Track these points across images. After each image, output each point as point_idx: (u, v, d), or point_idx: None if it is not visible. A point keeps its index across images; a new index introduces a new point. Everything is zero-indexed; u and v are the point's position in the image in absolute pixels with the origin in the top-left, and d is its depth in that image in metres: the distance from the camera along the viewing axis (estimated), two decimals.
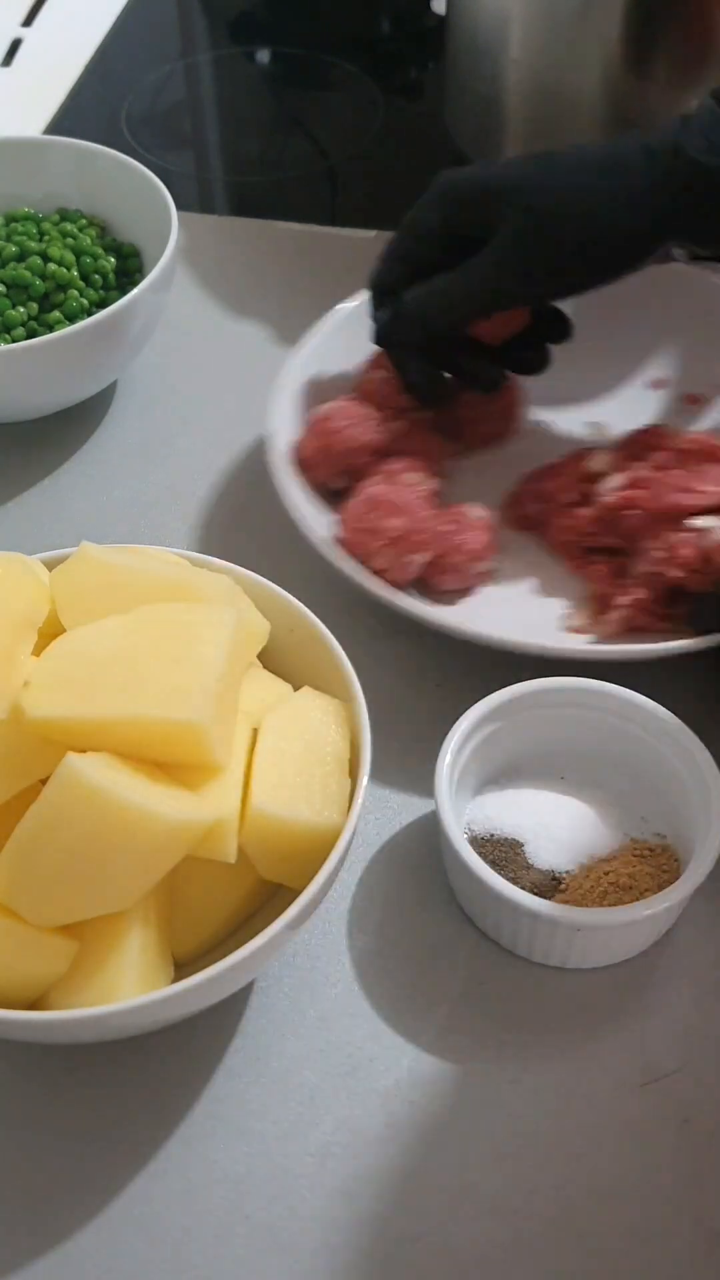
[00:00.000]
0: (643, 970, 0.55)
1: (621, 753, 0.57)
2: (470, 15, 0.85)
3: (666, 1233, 0.48)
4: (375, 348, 0.70)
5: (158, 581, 0.51)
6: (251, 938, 0.46)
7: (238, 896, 0.51)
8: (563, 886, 0.54)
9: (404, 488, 0.64)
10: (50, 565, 0.54)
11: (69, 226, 0.79)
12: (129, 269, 0.79)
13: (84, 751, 0.45)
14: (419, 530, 0.63)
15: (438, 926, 0.56)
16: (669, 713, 0.56)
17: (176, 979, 0.47)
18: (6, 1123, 0.51)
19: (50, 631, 0.50)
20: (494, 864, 0.53)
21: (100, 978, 0.46)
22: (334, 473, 0.67)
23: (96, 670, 0.47)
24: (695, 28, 0.78)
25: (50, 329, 0.74)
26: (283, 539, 0.65)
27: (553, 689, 0.57)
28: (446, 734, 0.55)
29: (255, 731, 0.51)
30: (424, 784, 0.54)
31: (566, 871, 0.55)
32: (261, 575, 0.57)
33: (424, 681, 0.63)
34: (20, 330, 0.74)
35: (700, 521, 0.62)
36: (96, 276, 0.77)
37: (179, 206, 0.76)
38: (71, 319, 0.74)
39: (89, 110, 1.02)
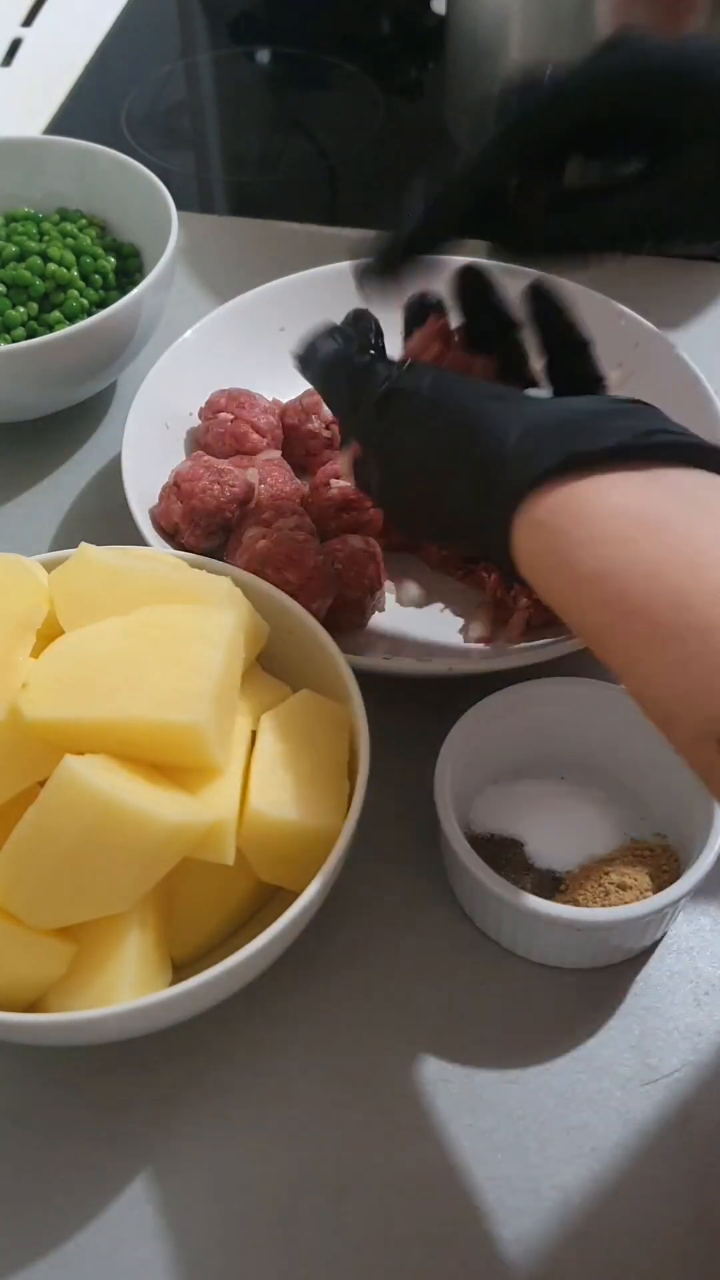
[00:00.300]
0: (642, 970, 0.55)
1: (621, 753, 0.57)
2: (470, 15, 0.85)
3: (667, 1233, 0.48)
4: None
5: (157, 583, 0.51)
6: (250, 940, 0.46)
7: (236, 899, 0.51)
8: (563, 886, 0.54)
9: (285, 536, 0.62)
10: (49, 566, 0.54)
11: (69, 226, 0.79)
12: (129, 269, 0.79)
13: (82, 753, 0.45)
14: (313, 579, 0.61)
15: (438, 926, 0.56)
16: None
17: (175, 981, 0.47)
18: (6, 1123, 0.51)
19: (49, 633, 0.50)
20: (494, 864, 0.53)
21: (98, 980, 0.46)
22: (207, 534, 0.65)
23: (95, 672, 0.47)
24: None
25: (50, 329, 0.74)
26: None
27: (553, 689, 0.57)
28: (446, 734, 0.55)
29: (254, 734, 0.51)
30: (423, 784, 0.54)
31: (566, 871, 0.55)
32: None
33: (423, 682, 0.63)
34: (20, 330, 0.74)
35: None
36: (96, 276, 0.77)
37: (179, 206, 0.76)
38: (71, 319, 0.74)
39: (89, 110, 1.02)
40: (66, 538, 0.72)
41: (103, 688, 0.46)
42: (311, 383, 0.56)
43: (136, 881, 0.46)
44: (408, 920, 0.56)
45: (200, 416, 0.72)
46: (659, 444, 0.44)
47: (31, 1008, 0.48)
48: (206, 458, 0.67)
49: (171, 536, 0.66)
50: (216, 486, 0.65)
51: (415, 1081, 0.52)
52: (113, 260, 0.78)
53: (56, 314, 0.75)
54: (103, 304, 0.75)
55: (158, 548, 0.63)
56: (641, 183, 0.53)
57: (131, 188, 0.79)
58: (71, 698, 0.46)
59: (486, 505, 0.46)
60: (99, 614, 0.49)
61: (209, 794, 0.47)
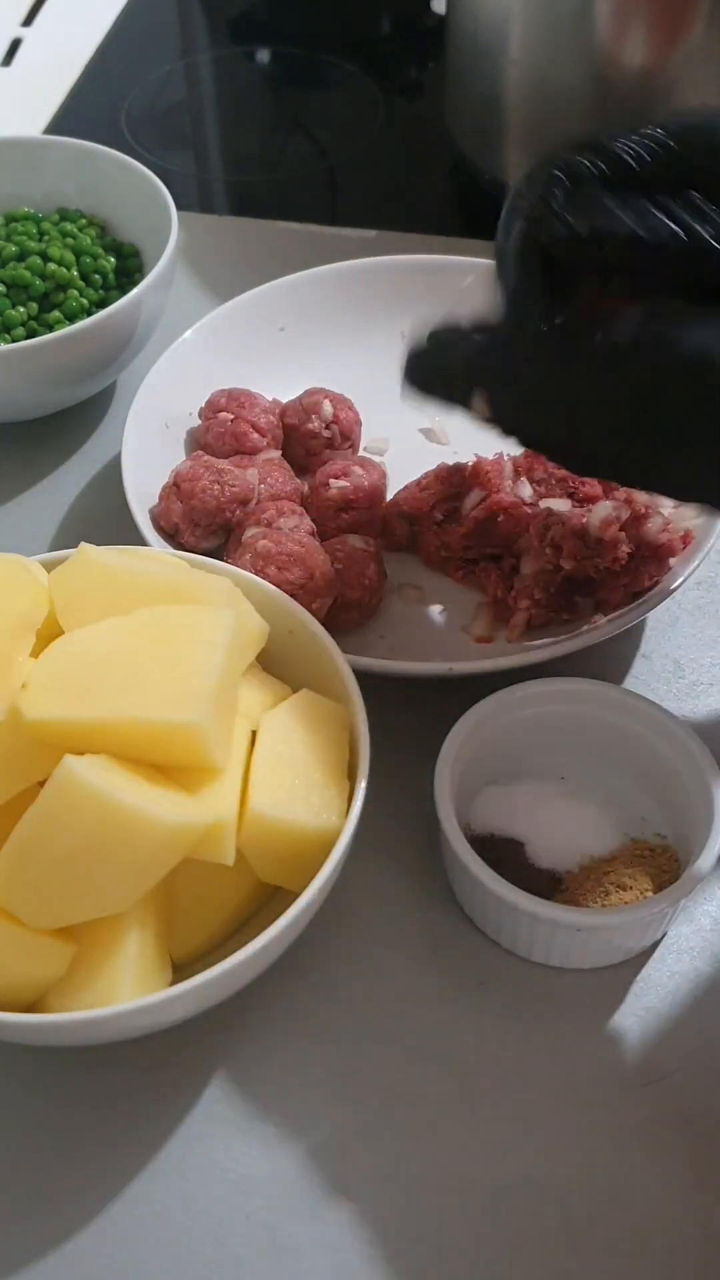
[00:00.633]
0: (643, 970, 0.55)
1: (621, 753, 0.57)
2: (470, 15, 0.85)
3: (668, 1233, 0.48)
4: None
5: (157, 583, 0.51)
6: (250, 940, 0.46)
7: (236, 899, 0.51)
8: (563, 886, 0.54)
9: (286, 536, 0.62)
10: (49, 566, 0.54)
11: (69, 226, 0.79)
12: (129, 269, 0.79)
13: (82, 753, 0.45)
14: (313, 578, 0.61)
15: (438, 926, 0.56)
16: (669, 712, 0.56)
17: (175, 981, 0.47)
18: (7, 1123, 0.51)
19: (49, 633, 0.50)
20: (494, 864, 0.53)
21: (98, 980, 0.46)
22: (207, 533, 0.66)
23: (95, 672, 0.47)
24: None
25: (50, 329, 0.74)
26: None
27: (552, 689, 0.57)
28: (446, 734, 0.55)
29: (254, 733, 0.51)
30: (423, 784, 0.54)
31: (566, 871, 0.55)
32: None
33: (423, 682, 0.63)
34: (20, 330, 0.74)
35: (553, 504, 0.62)
36: (96, 276, 0.77)
37: (179, 206, 0.76)
38: (71, 319, 0.74)
39: (89, 110, 1.02)
40: (66, 538, 0.72)
41: (102, 688, 0.46)
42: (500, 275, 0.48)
43: (136, 881, 0.46)
44: (408, 920, 0.56)
45: (200, 416, 0.72)
46: None
47: (31, 1008, 0.48)
48: (206, 458, 0.67)
49: (171, 536, 0.66)
50: (216, 486, 0.65)
51: (415, 1081, 0.52)
52: (113, 260, 0.78)
53: (56, 314, 0.75)
54: (103, 304, 0.75)
55: (158, 548, 0.63)
56: None
57: (131, 187, 0.79)
58: (71, 698, 0.46)
59: None
60: (99, 614, 0.49)
61: (209, 794, 0.47)
